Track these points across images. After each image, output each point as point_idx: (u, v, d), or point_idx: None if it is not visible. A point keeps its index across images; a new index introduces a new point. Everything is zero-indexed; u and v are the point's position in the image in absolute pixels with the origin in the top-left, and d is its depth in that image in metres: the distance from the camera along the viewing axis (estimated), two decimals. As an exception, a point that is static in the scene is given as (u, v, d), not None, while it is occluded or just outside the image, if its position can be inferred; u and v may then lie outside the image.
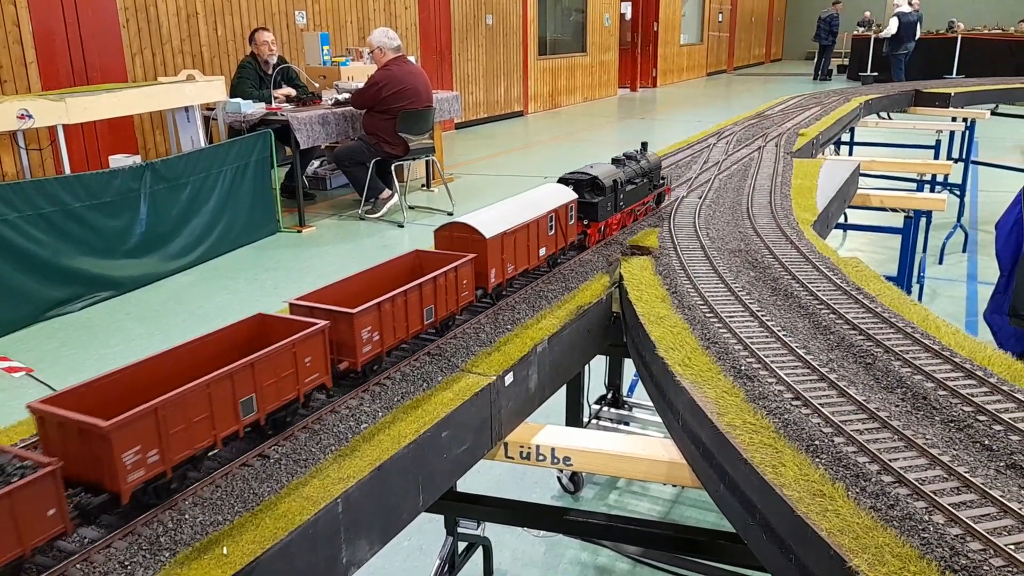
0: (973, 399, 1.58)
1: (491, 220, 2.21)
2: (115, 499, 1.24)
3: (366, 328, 1.68)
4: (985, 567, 1.12)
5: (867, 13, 23.36)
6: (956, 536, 1.19)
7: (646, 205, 3.18)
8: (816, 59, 23.53)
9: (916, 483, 1.31)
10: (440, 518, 2.89)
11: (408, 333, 1.84)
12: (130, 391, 1.38)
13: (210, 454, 1.42)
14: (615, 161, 2.98)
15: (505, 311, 2.19)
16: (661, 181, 3.30)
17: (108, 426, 1.19)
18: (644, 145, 3.22)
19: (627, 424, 3.95)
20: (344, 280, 1.90)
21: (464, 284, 2.04)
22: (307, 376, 1.56)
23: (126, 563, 1.21)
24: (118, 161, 6.24)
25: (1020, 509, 1.23)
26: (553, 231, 2.48)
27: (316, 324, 1.58)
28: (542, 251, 2.44)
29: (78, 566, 1.19)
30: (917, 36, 17.74)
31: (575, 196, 2.63)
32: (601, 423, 3.93)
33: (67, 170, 5.91)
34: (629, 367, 4.08)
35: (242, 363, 1.42)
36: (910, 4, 17.67)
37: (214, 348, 1.55)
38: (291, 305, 1.74)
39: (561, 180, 2.72)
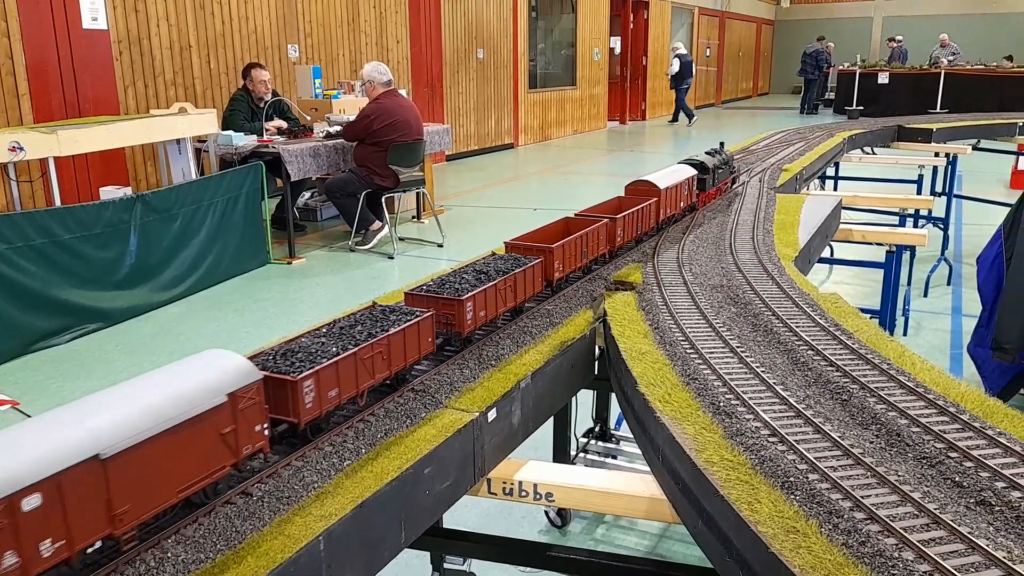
0: (945, 435, 1.61)
1: (661, 179, 3.48)
2: (549, 284, 2.62)
3: (620, 227, 3.06)
4: (952, 604, 1.15)
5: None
6: (924, 573, 1.21)
7: (726, 186, 4.46)
8: (802, 93, 23.94)
9: (887, 520, 1.33)
10: (426, 554, 2.88)
11: (640, 233, 3.30)
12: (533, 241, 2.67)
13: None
14: (707, 153, 4.20)
15: (489, 347, 2.22)
16: (734, 170, 4.66)
17: (553, 247, 2.56)
18: (722, 144, 4.52)
19: (614, 457, 3.95)
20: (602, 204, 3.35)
21: (650, 218, 3.35)
22: (600, 246, 2.90)
23: (107, 601, 1.22)
24: (109, 193, 6.27)
25: (987, 546, 1.25)
26: (687, 192, 3.80)
27: (602, 220, 2.90)
28: (681, 204, 3.73)
29: (59, 604, 1.20)
30: (693, 74, 21.33)
31: (695, 172, 3.89)
32: (588, 456, 3.93)
33: (57, 202, 5.93)
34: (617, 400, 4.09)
35: (589, 229, 2.77)
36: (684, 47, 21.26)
37: (543, 235, 2.80)
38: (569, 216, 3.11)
39: (680, 163, 3.98)
